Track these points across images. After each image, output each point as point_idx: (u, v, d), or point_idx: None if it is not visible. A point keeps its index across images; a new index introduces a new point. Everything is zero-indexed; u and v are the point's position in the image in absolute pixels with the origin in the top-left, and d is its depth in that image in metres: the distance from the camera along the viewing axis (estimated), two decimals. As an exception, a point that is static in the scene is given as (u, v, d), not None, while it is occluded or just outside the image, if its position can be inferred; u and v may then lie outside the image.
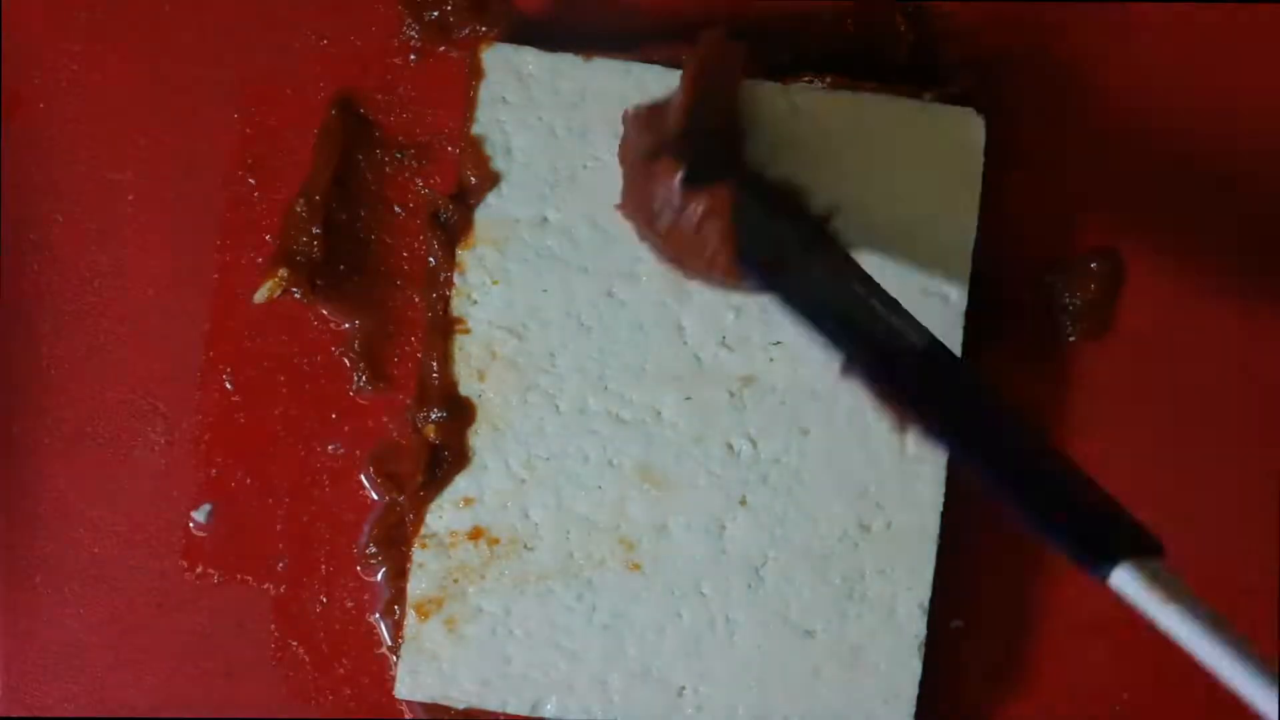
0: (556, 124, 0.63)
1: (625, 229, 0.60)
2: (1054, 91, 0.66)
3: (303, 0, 0.66)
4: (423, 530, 0.62)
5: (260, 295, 0.64)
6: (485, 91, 0.63)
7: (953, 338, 0.62)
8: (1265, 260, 0.66)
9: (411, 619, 0.62)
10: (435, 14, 0.65)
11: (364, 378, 0.65)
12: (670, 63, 0.62)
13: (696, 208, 0.56)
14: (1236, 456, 0.65)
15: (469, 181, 0.63)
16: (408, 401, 0.64)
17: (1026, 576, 0.65)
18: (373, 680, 0.65)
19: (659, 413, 0.63)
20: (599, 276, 0.63)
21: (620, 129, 0.60)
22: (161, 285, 0.65)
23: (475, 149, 0.63)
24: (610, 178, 0.61)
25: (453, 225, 0.63)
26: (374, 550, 0.65)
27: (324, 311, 0.65)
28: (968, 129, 0.62)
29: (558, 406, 0.62)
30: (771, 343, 0.63)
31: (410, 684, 0.62)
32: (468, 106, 0.63)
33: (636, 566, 0.63)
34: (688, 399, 0.63)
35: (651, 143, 0.58)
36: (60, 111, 0.65)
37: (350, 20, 0.66)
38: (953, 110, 0.62)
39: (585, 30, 0.64)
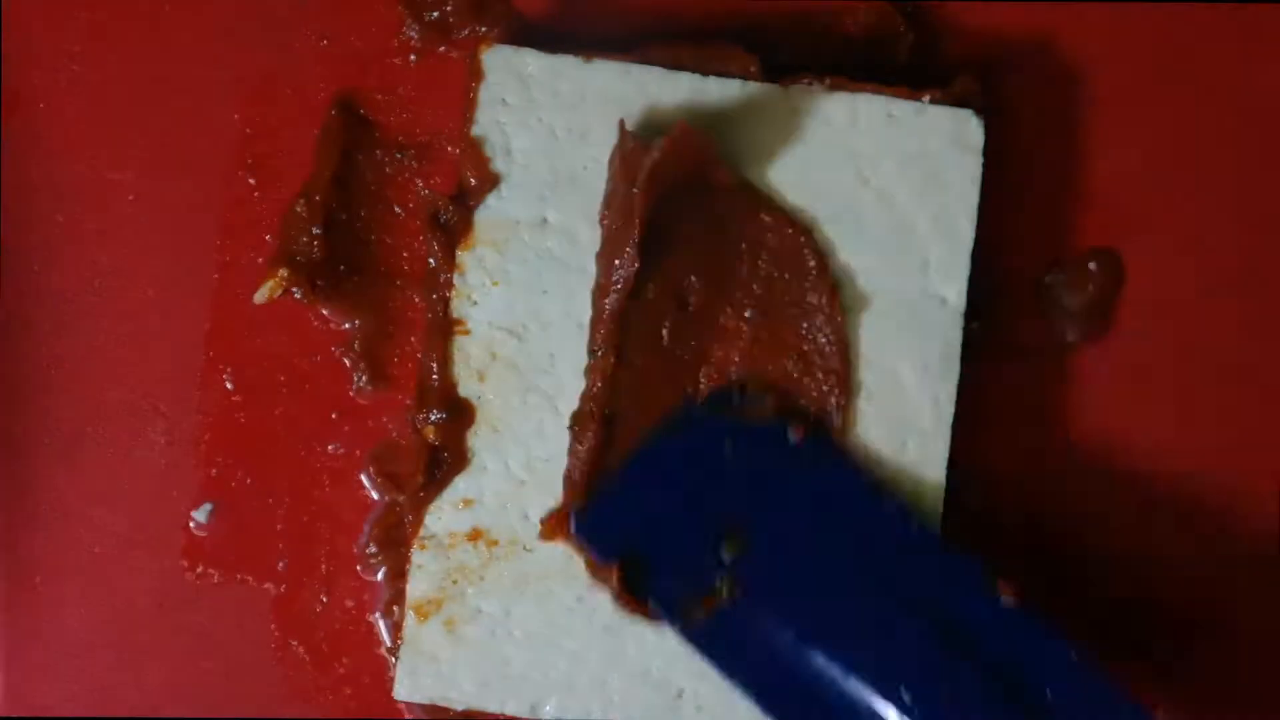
0: (556, 125, 0.63)
1: (624, 230, 0.60)
2: (1054, 91, 0.66)
3: (303, 0, 0.66)
4: (421, 532, 0.62)
5: (260, 295, 0.64)
6: (485, 93, 0.63)
7: (953, 338, 0.62)
8: (1265, 260, 0.66)
9: (410, 620, 0.62)
10: (435, 14, 0.65)
11: (364, 378, 0.65)
12: (670, 64, 0.62)
13: None
14: (1236, 457, 0.65)
15: (469, 182, 0.63)
16: (408, 402, 0.64)
17: None
18: (373, 680, 0.65)
19: (658, 413, 0.63)
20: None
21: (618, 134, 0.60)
22: (161, 285, 0.65)
23: (475, 150, 0.63)
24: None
25: (452, 226, 0.63)
26: (374, 550, 0.65)
27: (324, 311, 0.65)
28: (967, 130, 0.62)
29: (557, 408, 0.62)
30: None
31: (409, 685, 0.62)
32: (468, 107, 0.63)
33: (636, 567, 0.63)
34: (687, 400, 0.63)
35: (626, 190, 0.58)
36: (60, 111, 0.65)
37: (350, 20, 0.66)
38: (952, 111, 0.62)
39: (585, 32, 0.64)
